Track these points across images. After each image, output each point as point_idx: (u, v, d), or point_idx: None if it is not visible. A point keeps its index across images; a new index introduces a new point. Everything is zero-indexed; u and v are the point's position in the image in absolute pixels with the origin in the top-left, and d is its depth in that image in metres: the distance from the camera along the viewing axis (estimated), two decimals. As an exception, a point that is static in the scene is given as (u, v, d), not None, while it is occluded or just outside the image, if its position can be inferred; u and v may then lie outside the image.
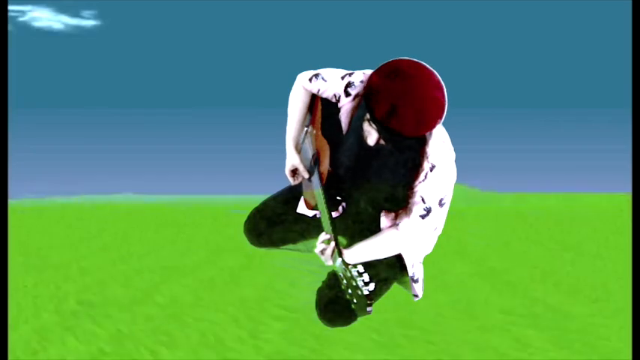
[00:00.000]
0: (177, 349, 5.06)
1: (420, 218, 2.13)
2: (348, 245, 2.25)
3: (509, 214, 29.19)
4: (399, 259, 2.31)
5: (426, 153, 2.09)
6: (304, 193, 2.41)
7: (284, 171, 2.44)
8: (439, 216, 2.15)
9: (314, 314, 2.36)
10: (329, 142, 2.25)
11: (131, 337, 5.42)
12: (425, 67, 2.02)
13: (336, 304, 2.24)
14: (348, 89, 2.20)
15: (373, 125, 1.99)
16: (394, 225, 2.20)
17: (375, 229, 2.24)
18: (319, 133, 2.29)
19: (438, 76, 2.02)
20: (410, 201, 2.14)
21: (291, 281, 8.33)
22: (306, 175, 2.34)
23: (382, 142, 2.03)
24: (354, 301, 1.98)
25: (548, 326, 5.81)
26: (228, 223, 22.25)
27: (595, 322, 6.01)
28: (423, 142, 2.06)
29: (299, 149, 2.43)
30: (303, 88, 2.40)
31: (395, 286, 2.37)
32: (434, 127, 1.97)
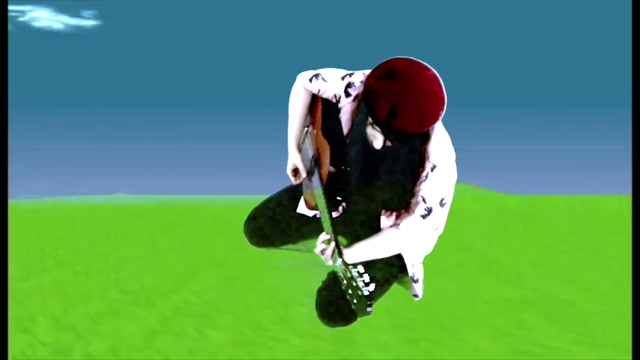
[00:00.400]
0: (220, 329, 5.67)
1: (421, 218, 2.13)
2: (349, 245, 2.26)
3: (513, 214, 29.61)
4: (399, 259, 2.31)
5: (427, 152, 2.10)
6: (304, 193, 2.41)
7: (283, 171, 2.44)
8: (440, 216, 2.15)
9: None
10: (329, 143, 2.24)
11: (175, 321, 6.03)
12: (420, 63, 2.02)
13: (336, 304, 2.24)
14: (349, 90, 2.19)
15: (377, 128, 2.00)
16: (395, 225, 2.20)
17: (375, 229, 2.24)
18: (319, 133, 2.29)
19: (434, 70, 2.02)
20: (411, 201, 2.14)
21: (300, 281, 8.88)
22: (305, 175, 2.35)
23: (388, 143, 2.03)
24: (355, 301, 1.99)
25: (548, 312, 6.44)
26: (230, 223, 22.51)
27: (591, 308, 6.64)
28: (425, 140, 2.06)
29: (300, 149, 2.43)
30: (304, 88, 2.38)
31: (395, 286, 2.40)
32: (436, 120, 1.97)
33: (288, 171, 2.41)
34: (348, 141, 2.18)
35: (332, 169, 2.24)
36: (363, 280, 1.94)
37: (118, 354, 4.89)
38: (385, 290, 2.31)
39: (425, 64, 2.02)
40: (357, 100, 2.17)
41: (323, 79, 2.28)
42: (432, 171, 2.08)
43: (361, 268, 1.97)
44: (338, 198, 2.25)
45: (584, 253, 11.89)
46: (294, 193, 2.48)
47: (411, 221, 2.13)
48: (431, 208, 2.11)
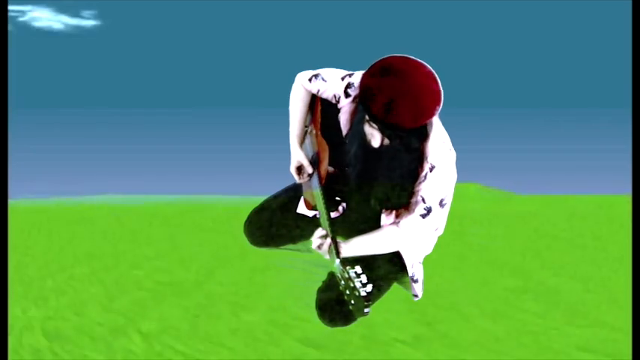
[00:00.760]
0: (252, 312, 6.33)
1: (421, 217, 2.12)
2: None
3: (516, 213, 29.95)
4: (399, 259, 2.30)
5: (425, 152, 2.09)
6: (304, 193, 2.40)
7: (283, 171, 2.42)
8: (439, 216, 2.14)
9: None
10: (328, 143, 2.25)
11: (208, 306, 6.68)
12: (415, 60, 2.02)
13: (336, 304, 2.24)
14: (348, 90, 2.19)
15: (374, 125, 1.99)
16: (395, 223, 2.19)
17: (375, 227, 2.23)
18: (319, 133, 2.29)
19: (429, 66, 2.02)
20: (411, 200, 2.14)
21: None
22: (311, 170, 2.33)
23: (386, 141, 2.03)
24: (352, 302, 1.98)
25: (547, 299, 7.11)
26: (232, 223, 22.71)
27: (587, 297, 7.30)
28: (423, 139, 2.06)
29: (302, 148, 2.42)
30: (303, 87, 2.37)
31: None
32: (432, 115, 1.96)
33: (292, 169, 2.38)
34: (346, 140, 2.19)
35: (331, 169, 2.25)
36: (361, 281, 1.95)
37: (168, 333, 5.56)
38: (385, 290, 2.32)
39: (420, 61, 2.02)
40: (356, 100, 2.17)
41: (323, 79, 2.28)
42: (430, 171, 2.08)
43: (359, 269, 1.97)
44: (337, 198, 2.26)
45: (585, 251, 12.37)
46: (294, 194, 2.48)
47: (411, 220, 2.13)
48: (430, 207, 2.11)
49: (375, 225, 2.23)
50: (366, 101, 1.95)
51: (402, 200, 2.13)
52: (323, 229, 2.11)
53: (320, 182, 2.23)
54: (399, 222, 2.17)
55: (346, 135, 2.21)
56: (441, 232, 2.20)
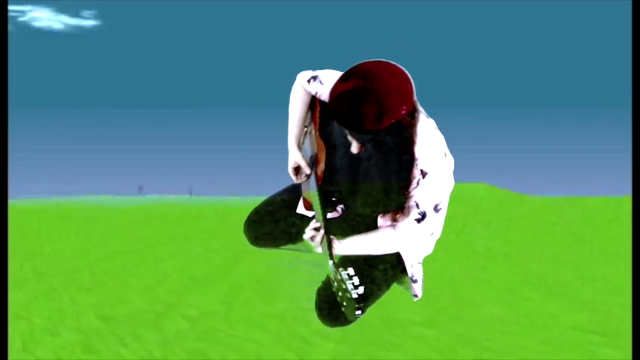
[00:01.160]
0: (278, 300, 6.94)
1: (416, 222, 2.10)
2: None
3: (521, 212, 30.18)
4: (398, 259, 2.30)
5: (414, 159, 2.05)
6: (303, 194, 2.40)
7: (282, 172, 2.43)
8: (435, 221, 2.12)
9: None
10: (325, 145, 2.25)
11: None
12: (384, 62, 1.99)
13: (335, 305, 2.24)
14: None
15: (347, 130, 1.98)
16: (392, 225, 2.18)
17: (371, 229, 2.24)
18: (317, 133, 2.29)
19: (401, 67, 1.99)
20: (405, 205, 2.12)
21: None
22: (309, 171, 2.31)
23: (365, 147, 2.02)
24: (344, 303, 1.96)
25: (548, 289, 7.70)
26: (235, 223, 22.70)
27: (584, 287, 7.89)
28: (406, 143, 2.02)
29: (300, 148, 2.41)
30: (303, 88, 2.37)
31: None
32: (398, 115, 1.92)
33: (290, 170, 2.39)
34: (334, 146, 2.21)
35: (326, 172, 2.27)
36: (353, 283, 1.92)
37: (208, 316, 6.22)
38: (384, 291, 2.31)
39: (393, 63, 2.00)
40: None
41: (320, 82, 2.28)
42: (423, 177, 2.05)
43: (351, 271, 1.95)
44: (333, 199, 2.26)
45: (585, 249, 12.68)
46: (293, 194, 2.48)
47: (407, 224, 2.12)
48: (425, 212, 2.09)
49: (372, 226, 2.24)
50: (330, 105, 1.96)
51: (393, 205, 2.12)
52: (316, 220, 2.14)
53: (317, 183, 2.24)
54: (395, 225, 2.16)
55: (336, 143, 2.23)
56: (437, 235, 2.20)
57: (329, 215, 2.31)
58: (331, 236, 2.13)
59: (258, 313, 6.35)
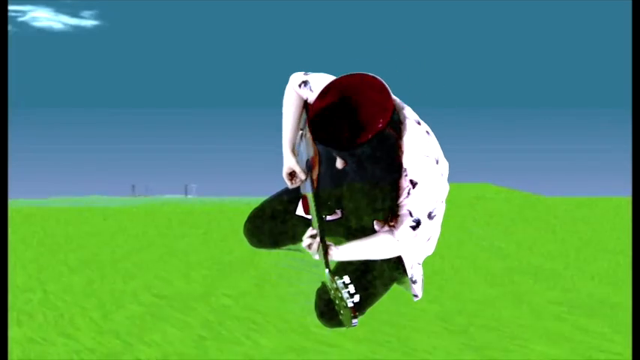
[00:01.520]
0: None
1: (411, 229, 2.11)
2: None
3: (526, 211, 29.69)
4: (398, 260, 2.31)
5: (402, 169, 2.04)
6: (302, 195, 2.42)
7: (281, 172, 2.44)
8: (430, 227, 2.12)
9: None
10: (318, 149, 2.28)
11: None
12: (360, 74, 1.98)
13: (334, 306, 2.25)
14: None
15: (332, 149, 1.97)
16: (388, 231, 2.18)
17: (369, 234, 2.24)
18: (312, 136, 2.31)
19: (378, 78, 1.96)
20: (399, 213, 2.12)
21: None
22: (303, 177, 2.32)
23: (348, 162, 2.00)
24: (341, 312, 1.95)
25: (547, 280, 8.05)
26: (232, 224, 22.61)
27: (579, 278, 8.06)
28: (392, 154, 2.00)
29: (296, 152, 2.41)
30: (295, 91, 2.37)
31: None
32: (375, 130, 1.90)
33: (284, 175, 2.39)
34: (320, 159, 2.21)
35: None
36: (349, 291, 1.91)
37: (247, 295, 5.04)
38: (383, 292, 2.31)
39: (372, 76, 1.97)
40: None
41: (310, 89, 2.27)
42: (413, 187, 2.04)
43: (347, 279, 1.94)
44: (329, 203, 2.26)
45: (585, 248, 12.42)
46: (293, 194, 2.49)
47: (402, 231, 2.12)
48: (419, 220, 2.09)
49: (369, 231, 2.23)
50: (309, 124, 1.95)
51: (385, 215, 2.13)
52: (313, 227, 2.12)
53: (313, 186, 2.23)
54: (391, 231, 2.16)
55: (323, 157, 2.24)
56: (434, 240, 2.22)
57: (328, 217, 2.32)
58: (329, 242, 2.15)
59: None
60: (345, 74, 2.03)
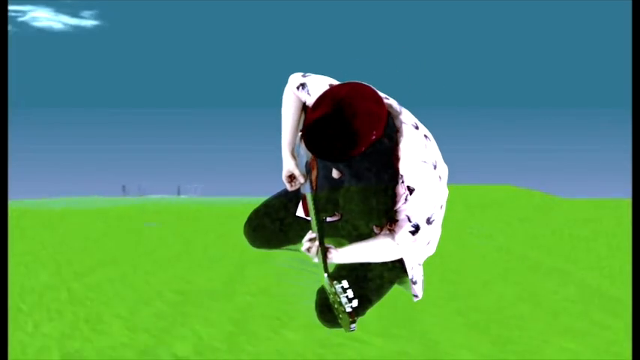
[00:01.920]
0: (294, 329, 5.65)
1: (410, 234, 2.11)
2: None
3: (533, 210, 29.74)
4: (395, 263, 2.33)
5: (399, 176, 2.04)
6: (302, 196, 2.44)
7: (281, 172, 2.44)
8: (429, 232, 2.13)
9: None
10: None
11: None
12: (353, 84, 1.97)
13: (333, 310, 2.22)
14: None
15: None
16: (387, 235, 2.19)
17: (368, 237, 2.25)
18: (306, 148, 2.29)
19: (372, 87, 1.97)
20: (397, 218, 2.13)
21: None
22: (302, 180, 2.33)
23: (344, 172, 2.00)
24: (340, 316, 1.96)
25: (545, 273, 7.38)
26: (233, 225, 22.85)
27: (578, 271, 8.37)
28: (388, 161, 2.00)
29: (295, 154, 2.41)
30: (293, 93, 2.36)
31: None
32: (369, 141, 1.89)
33: (284, 178, 2.39)
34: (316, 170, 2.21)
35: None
36: (347, 296, 1.90)
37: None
38: (383, 293, 2.32)
39: (366, 85, 1.96)
40: None
41: (308, 92, 2.26)
42: (410, 194, 2.03)
43: (345, 283, 1.94)
44: (328, 205, 2.26)
45: (586, 246, 12.76)
46: (293, 195, 2.49)
47: (401, 236, 2.12)
48: (417, 225, 2.08)
49: (370, 230, 2.23)
50: (302, 136, 1.94)
51: (382, 221, 2.13)
52: (312, 231, 2.13)
53: (312, 189, 2.24)
54: (391, 234, 2.17)
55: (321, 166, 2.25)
56: (434, 244, 2.22)
57: (328, 219, 2.33)
58: (328, 245, 2.15)
59: (270, 348, 5.02)
60: (338, 83, 2.05)
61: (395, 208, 2.09)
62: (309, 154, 2.34)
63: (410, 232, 2.10)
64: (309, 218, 2.42)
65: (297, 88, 2.30)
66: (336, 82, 2.22)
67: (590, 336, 5.54)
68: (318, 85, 2.25)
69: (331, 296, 1.98)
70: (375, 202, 2.07)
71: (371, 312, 6.34)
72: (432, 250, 2.25)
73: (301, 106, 2.37)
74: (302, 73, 2.33)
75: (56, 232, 17.69)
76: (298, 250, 2.51)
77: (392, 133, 1.96)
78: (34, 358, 4.67)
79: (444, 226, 19.57)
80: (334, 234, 2.34)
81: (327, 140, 1.88)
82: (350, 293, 1.91)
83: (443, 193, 2.10)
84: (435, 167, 2.04)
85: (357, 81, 1.99)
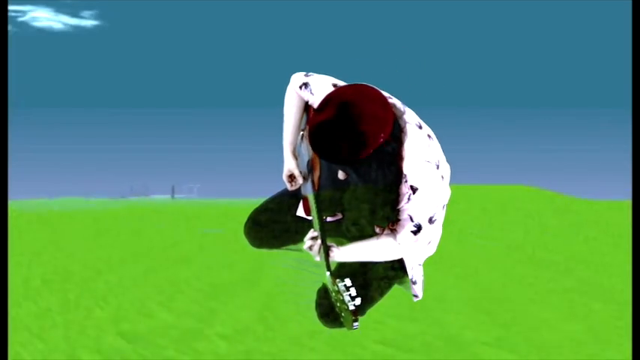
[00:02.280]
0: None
1: (412, 234, 2.11)
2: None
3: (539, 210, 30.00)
4: (398, 261, 2.33)
5: (403, 175, 2.04)
6: (303, 196, 2.44)
7: (281, 172, 2.43)
8: (431, 232, 2.13)
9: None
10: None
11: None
12: (359, 86, 1.96)
13: (335, 308, 2.23)
14: None
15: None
16: (388, 234, 2.19)
17: (369, 236, 2.24)
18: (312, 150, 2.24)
19: (377, 89, 1.97)
20: (399, 218, 2.12)
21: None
22: (302, 181, 2.33)
23: (350, 174, 2.00)
24: (342, 314, 1.97)
25: (544, 270, 8.30)
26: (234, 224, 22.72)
27: (577, 268, 8.83)
28: (392, 162, 2.00)
29: (296, 154, 2.40)
30: (296, 92, 2.35)
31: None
32: (376, 144, 1.88)
33: (284, 177, 2.39)
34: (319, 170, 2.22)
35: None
36: (350, 294, 1.91)
37: (247, 334, 5.47)
38: (384, 293, 2.34)
39: (371, 87, 1.96)
40: None
41: (311, 91, 2.25)
42: (413, 193, 2.03)
43: (348, 281, 1.95)
44: (330, 204, 2.28)
45: (586, 246, 12.99)
46: (294, 195, 2.50)
47: (403, 235, 2.12)
48: (420, 224, 2.09)
49: (373, 230, 2.21)
50: (308, 138, 1.93)
51: (386, 221, 2.13)
52: (314, 229, 2.14)
53: (313, 188, 2.24)
54: (392, 233, 2.17)
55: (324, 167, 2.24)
56: (435, 244, 2.23)
57: (330, 218, 2.32)
58: (330, 244, 2.14)
59: (303, 330, 5.60)
60: (342, 84, 2.06)
61: (398, 208, 2.09)
62: (311, 154, 2.34)
63: (412, 231, 2.10)
64: (310, 218, 2.43)
65: (300, 87, 2.29)
66: (339, 82, 2.23)
67: (589, 319, 6.10)
68: (321, 84, 2.24)
69: (334, 294, 1.99)
70: (380, 201, 2.07)
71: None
72: (432, 250, 2.25)
73: (303, 106, 2.37)
74: (304, 73, 2.32)
75: (56, 232, 17.50)
76: (299, 250, 2.53)
77: (397, 133, 1.96)
78: (35, 358, 4.69)
79: (452, 226, 19.95)
80: (335, 233, 2.35)
81: (335, 143, 1.88)
82: (353, 291, 1.92)
83: (445, 192, 2.09)
84: (438, 167, 2.04)
85: (361, 83, 1.99)
